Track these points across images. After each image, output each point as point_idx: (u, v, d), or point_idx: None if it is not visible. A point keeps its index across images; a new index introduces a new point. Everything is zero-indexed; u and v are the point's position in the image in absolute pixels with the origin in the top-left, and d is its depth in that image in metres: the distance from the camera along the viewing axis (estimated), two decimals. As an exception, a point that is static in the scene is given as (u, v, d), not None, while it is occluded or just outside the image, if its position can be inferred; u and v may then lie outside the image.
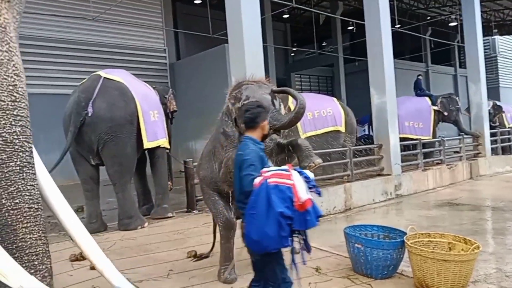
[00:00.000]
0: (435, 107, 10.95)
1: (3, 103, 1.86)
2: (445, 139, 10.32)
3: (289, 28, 20.25)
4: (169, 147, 6.00)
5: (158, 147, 5.67)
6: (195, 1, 15.19)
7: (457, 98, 11.44)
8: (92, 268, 3.74)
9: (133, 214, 5.32)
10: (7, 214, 1.85)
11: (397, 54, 9.82)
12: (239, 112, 2.93)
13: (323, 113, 8.22)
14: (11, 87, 1.89)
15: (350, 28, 18.06)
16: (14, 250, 1.87)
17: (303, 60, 20.97)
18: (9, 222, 1.85)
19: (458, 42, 20.03)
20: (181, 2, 15.70)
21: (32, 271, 1.91)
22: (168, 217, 5.75)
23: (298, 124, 7.99)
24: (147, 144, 5.39)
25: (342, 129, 8.39)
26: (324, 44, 21.63)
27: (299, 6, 13.28)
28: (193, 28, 13.58)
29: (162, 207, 5.80)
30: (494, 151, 11.69)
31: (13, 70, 1.90)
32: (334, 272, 3.69)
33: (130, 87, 5.33)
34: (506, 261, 4.44)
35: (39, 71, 10.69)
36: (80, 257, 4.03)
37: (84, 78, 5.55)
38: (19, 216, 1.88)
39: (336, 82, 18.95)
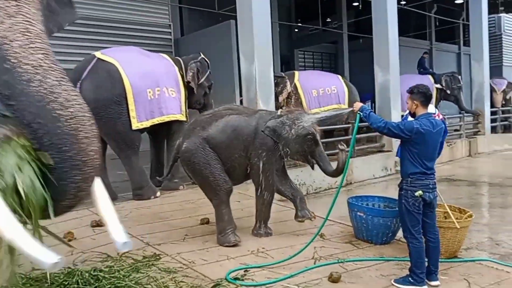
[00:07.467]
0: (438, 85, 11.08)
1: None
2: (445, 117, 10.49)
3: (294, 3, 20.11)
4: (186, 120, 5.89)
5: (175, 122, 5.78)
6: (200, -24, 15.09)
7: (459, 77, 11.55)
8: (114, 232, 4.05)
9: (144, 184, 5.56)
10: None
11: (401, 32, 9.87)
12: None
13: (327, 90, 8.43)
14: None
15: (355, 4, 17.95)
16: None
17: (307, 36, 20.88)
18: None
19: (463, 20, 19.90)
20: (186, -24, 15.60)
21: None
22: (179, 190, 6.00)
23: (304, 101, 8.23)
24: (137, 125, 5.40)
25: (345, 107, 8.59)
26: (328, 20, 21.50)
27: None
28: (197, 3, 13.56)
29: (173, 181, 5.95)
30: (494, 130, 11.88)
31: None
32: (337, 238, 3.99)
33: (125, 67, 5.34)
34: (498, 231, 4.75)
35: (46, 45, 10.79)
36: (101, 222, 4.31)
37: (89, 53, 5.68)
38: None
39: (340, 59, 18.94)
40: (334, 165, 3.93)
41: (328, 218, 4.50)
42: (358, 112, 3.22)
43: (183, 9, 14.82)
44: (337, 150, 4.20)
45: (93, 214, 4.78)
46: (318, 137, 3.89)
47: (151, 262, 3.31)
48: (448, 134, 10.71)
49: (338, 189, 3.45)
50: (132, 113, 5.34)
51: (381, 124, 3.07)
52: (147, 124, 5.55)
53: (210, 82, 6.34)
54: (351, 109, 3.48)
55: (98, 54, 5.44)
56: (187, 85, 6.04)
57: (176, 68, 5.97)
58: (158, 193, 5.65)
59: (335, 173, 3.88)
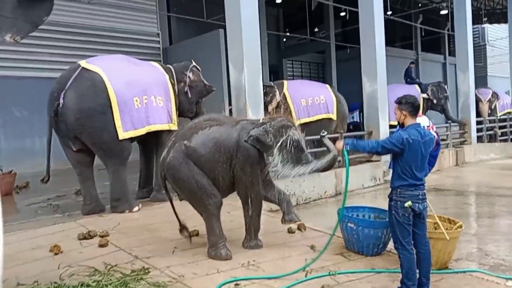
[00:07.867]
0: (424, 95, 11.23)
1: None
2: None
3: (282, 13, 20.27)
4: (176, 128, 5.70)
5: (164, 132, 5.61)
6: (188, -15, 15.12)
7: (445, 86, 11.73)
8: (102, 245, 3.98)
9: (121, 197, 5.38)
10: None
11: (388, 42, 10.00)
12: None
13: (316, 100, 8.48)
14: None
15: (342, 14, 18.15)
16: None
17: (295, 46, 21.03)
18: None
19: (448, 30, 20.26)
20: (174, -15, 15.62)
21: None
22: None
23: (293, 110, 8.26)
24: (123, 135, 5.25)
25: (334, 116, 8.67)
26: (316, 30, 21.69)
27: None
28: (186, 12, 13.58)
29: (161, 193, 5.82)
30: (480, 139, 12.05)
31: None
32: (329, 249, 3.93)
33: (110, 76, 5.20)
34: (487, 242, 4.77)
35: (32, 54, 10.65)
36: (88, 235, 4.24)
37: (77, 62, 5.55)
38: None
39: (328, 69, 19.12)
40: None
41: (318, 229, 4.55)
42: (344, 149, 3.22)
43: (172, 17, 14.83)
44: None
45: (80, 227, 4.71)
46: (303, 143, 3.82)
47: (140, 276, 3.24)
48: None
49: (344, 197, 3.47)
50: (118, 123, 5.18)
51: (374, 145, 3.10)
52: (134, 133, 5.38)
53: None
54: (335, 152, 3.53)
55: (82, 63, 5.32)
56: (178, 94, 5.93)
57: (167, 76, 5.83)
58: (136, 208, 5.43)
59: (328, 164, 3.78)
